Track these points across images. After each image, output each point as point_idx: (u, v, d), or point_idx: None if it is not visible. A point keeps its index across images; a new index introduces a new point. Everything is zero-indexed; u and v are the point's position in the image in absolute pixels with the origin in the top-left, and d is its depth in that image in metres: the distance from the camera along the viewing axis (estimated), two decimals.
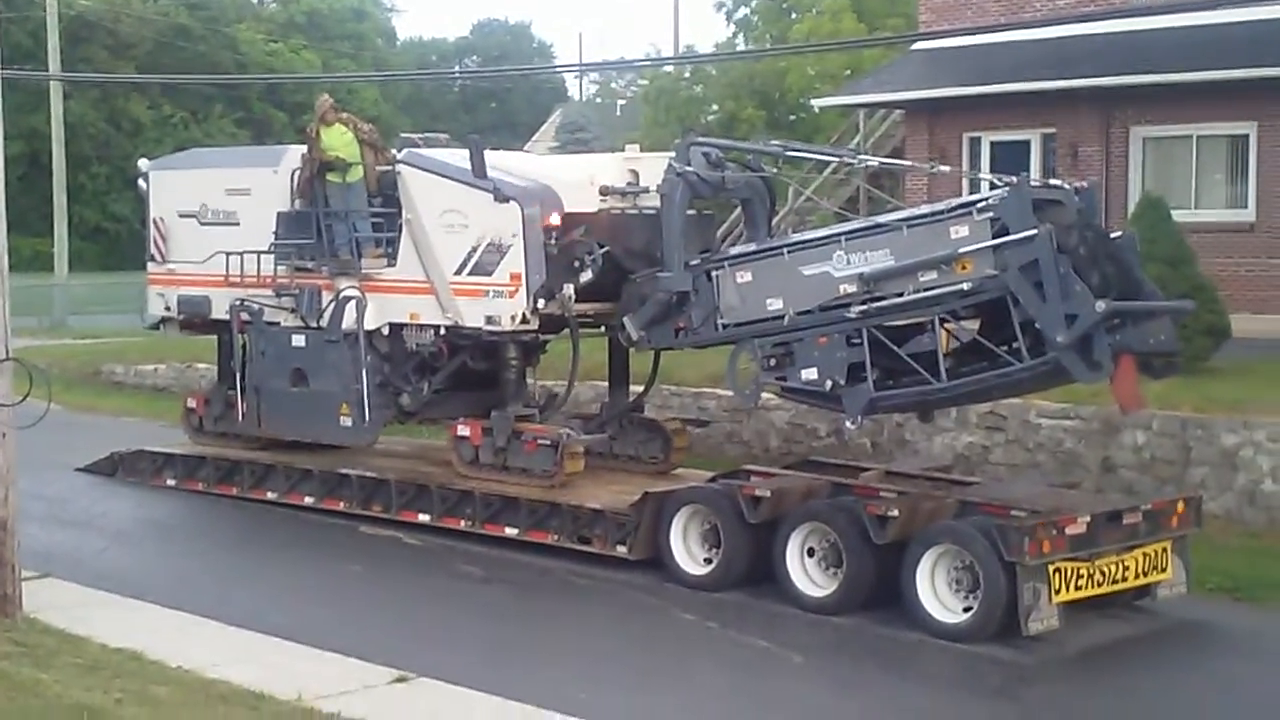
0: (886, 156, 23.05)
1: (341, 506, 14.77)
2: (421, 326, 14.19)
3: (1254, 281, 20.68)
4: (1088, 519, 10.77)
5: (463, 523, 13.76)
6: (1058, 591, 10.46)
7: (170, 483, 16.42)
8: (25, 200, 48.01)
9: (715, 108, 38.89)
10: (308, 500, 15.09)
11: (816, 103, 29.36)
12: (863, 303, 11.44)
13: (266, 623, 10.85)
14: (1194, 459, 14.07)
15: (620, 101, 61.66)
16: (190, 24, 65.70)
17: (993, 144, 23.59)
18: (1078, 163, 22.15)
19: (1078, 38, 21.81)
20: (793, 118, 36.97)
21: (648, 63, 44.76)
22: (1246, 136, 21.35)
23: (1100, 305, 10.42)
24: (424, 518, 14.06)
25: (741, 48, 44.53)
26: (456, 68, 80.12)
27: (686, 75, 40.12)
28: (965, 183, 21.90)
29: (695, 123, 35.81)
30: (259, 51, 68.21)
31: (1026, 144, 23.19)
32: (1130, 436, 14.40)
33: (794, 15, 42.14)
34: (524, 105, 77.61)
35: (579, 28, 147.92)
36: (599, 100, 67.83)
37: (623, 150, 14.71)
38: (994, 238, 10.86)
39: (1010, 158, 22.30)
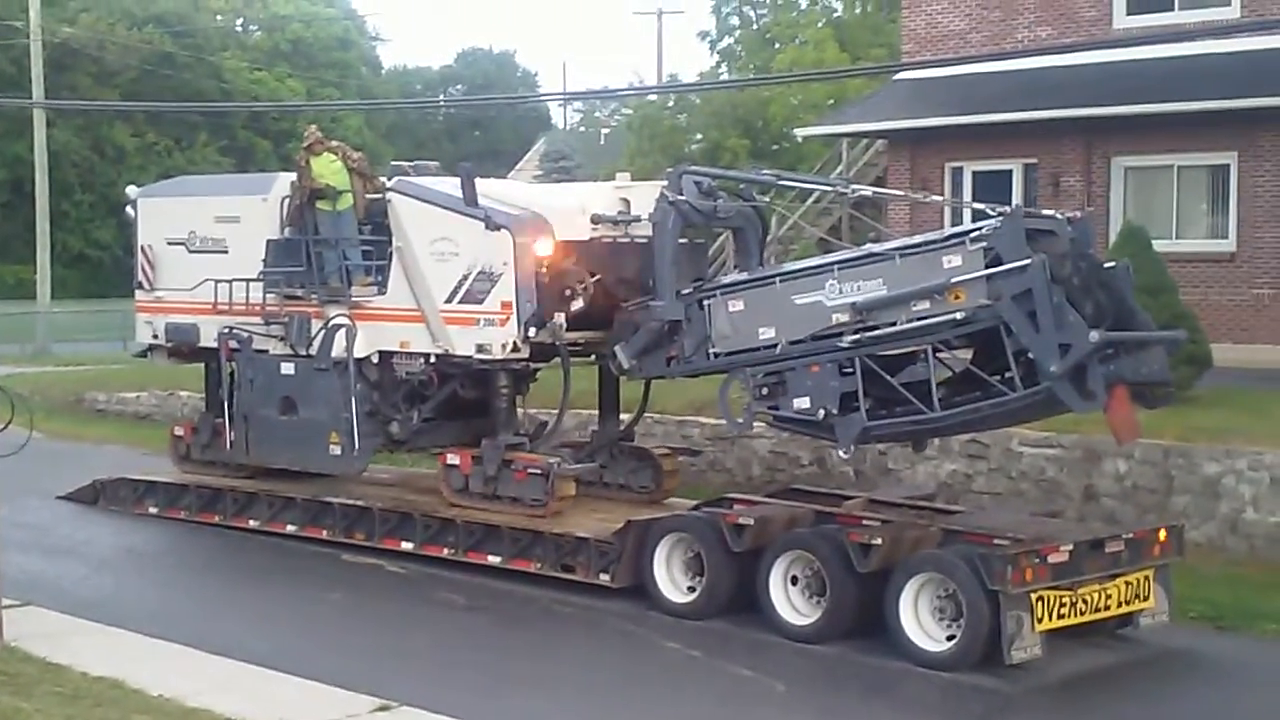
0: (869, 186, 23.10)
1: (324, 535, 14.74)
2: (411, 355, 14.16)
3: (1234, 311, 20.80)
4: (1070, 547, 10.79)
5: (446, 551, 13.75)
6: (1040, 620, 10.47)
7: (152, 511, 16.38)
8: (8, 227, 48.06)
9: (699, 137, 39.01)
10: (290, 528, 15.06)
11: (800, 132, 29.46)
12: (855, 332, 11.44)
13: (248, 651, 10.81)
14: (1176, 487, 14.12)
15: (604, 130, 61.83)
16: (175, 52, 65.64)
17: (975, 174, 23.69)
18: (1059, 193, 22.25)
19: (1059, 68, 21.93)
20: (776, 147, 37.08)
21: (631, 92, 44.79)
22: (1227, 167, 21.48)
23: (1094, 335, 10.43)
24: (407, 546, 14.03)
25: (725, 77, 44.76)
26: (441, 96, 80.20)
27: (670, 104, 40.25)
28: (948, 212, 21.99)
29: (680, 152, 35.90)
30: (243, 79, 68.23)
31: (1008, 174, 23.29)
32: (1112, 465, 14.45)
33: (777, 45, 42.42)
34: (508, 134, 77.71)
35: (563, 57, 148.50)
36: (583, 129, 68.01)
37: (608, 179, 14.73)
38: (987, 267, 10.88)
39: (992, 188, 22.40)
